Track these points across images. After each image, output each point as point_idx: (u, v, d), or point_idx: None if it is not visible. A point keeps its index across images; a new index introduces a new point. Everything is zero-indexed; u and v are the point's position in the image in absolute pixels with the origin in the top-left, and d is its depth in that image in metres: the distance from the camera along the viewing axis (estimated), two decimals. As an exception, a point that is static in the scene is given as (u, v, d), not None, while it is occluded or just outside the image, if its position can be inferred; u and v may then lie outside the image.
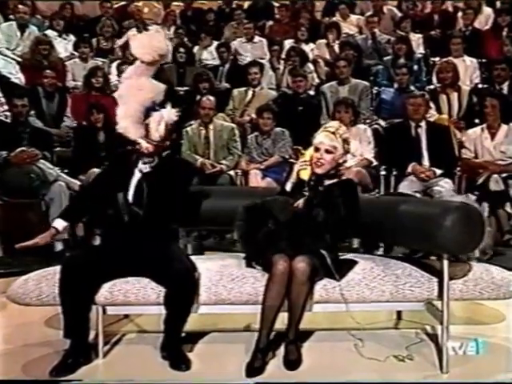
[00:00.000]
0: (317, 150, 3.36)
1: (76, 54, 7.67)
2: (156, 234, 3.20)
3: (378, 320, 3.60)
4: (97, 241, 5.23)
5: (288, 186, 3.42)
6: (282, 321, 3.15)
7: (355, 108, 5.64)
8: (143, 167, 3.22)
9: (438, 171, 5.16)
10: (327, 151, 3.32)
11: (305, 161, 3.40)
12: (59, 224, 3.24)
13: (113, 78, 7.36)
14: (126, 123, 3.18)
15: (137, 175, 3.27)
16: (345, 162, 3.40)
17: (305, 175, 3.36)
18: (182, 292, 3.08)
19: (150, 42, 3.21)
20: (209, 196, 3.66)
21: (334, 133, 3.35)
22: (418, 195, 5.00)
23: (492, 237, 4.75)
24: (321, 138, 3.39)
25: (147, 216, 3.22)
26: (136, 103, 3.17)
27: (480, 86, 6.92)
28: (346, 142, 3.37)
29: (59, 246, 4.96)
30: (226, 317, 3.47)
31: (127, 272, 3.18)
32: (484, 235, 2.98)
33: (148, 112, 3.19)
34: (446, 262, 3.01)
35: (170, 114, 3.26)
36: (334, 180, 3.33)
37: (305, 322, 3.18)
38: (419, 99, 5.40)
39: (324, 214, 3.18)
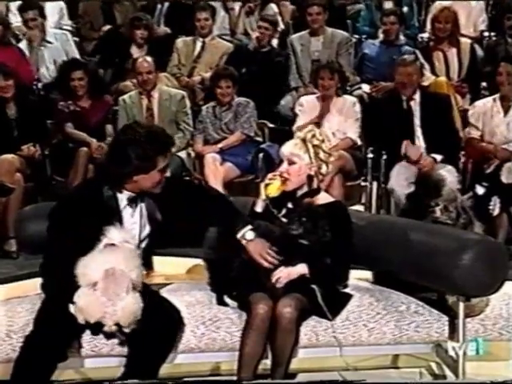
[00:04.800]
0: (282, 162, 3.48)
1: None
2: None
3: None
4: (12, 246, 5.31)
5: (259, 207, 3.51)
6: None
7: (343, 73, 5.74)
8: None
9: (439, 157, 5.33)
10: (290, 162, 3.44)
11: (274, 174, 3.49)
12: None
13: (13, 18, 7.16)
14: None
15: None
16: (323, 174, 3.50)
17: (272, 191, 3.44)
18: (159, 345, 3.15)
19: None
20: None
21: (303, 139, 3.45)
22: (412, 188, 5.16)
23: (503, 238, 4.97)
24: (284, 146, 3.51)
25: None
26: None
27: (486, 34, 7.06)
28: (318, 148, 3.44)
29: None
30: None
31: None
32: (508, 272, 3.17)
33: None
34: (462, 305, 3.20)
35: None
36: (313, 198, 3.45)
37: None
38: (409, 68, 5.50)
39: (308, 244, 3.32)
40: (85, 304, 3.04)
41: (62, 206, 3.25)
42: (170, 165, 5.29)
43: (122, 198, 3.21)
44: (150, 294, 3.21)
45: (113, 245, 3.10)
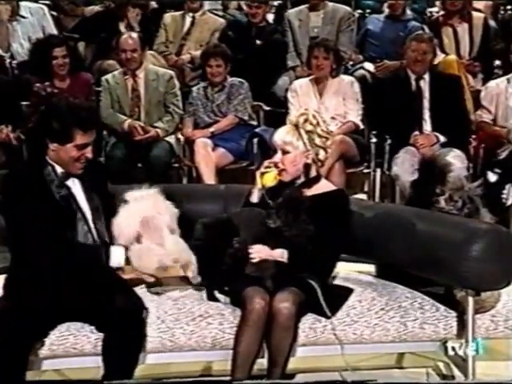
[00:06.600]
0: (276, 151, 3.53)
1: None
2: None
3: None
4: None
5: (254, 197, 3.56)
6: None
7: (338, 53, 5.79)
8: None
9: (442, 138, 5.38)
10: (283, 151, 3.48)
11: (270, 162, 3.54)
12: None
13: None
14: None
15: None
16: (322, 160, 3.54)
17: (268, 180, 3.50)
18: (126, 338, 3.21)
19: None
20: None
21: (296, 125, 3.48)
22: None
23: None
24: (275, 134, 3.56)
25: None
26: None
27: (502, 7, 7.10)
28: (313, 133, 3.47)
29: None
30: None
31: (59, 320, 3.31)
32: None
33: None
34: (471, 300, 3.25)
35: None
36: (313, 188, 3.51)
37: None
38: (425, 45, 5.53)
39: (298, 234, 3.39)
40: (139, 259, 3.33)
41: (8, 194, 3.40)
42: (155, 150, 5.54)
43: (57, 171, 3.41)
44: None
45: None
